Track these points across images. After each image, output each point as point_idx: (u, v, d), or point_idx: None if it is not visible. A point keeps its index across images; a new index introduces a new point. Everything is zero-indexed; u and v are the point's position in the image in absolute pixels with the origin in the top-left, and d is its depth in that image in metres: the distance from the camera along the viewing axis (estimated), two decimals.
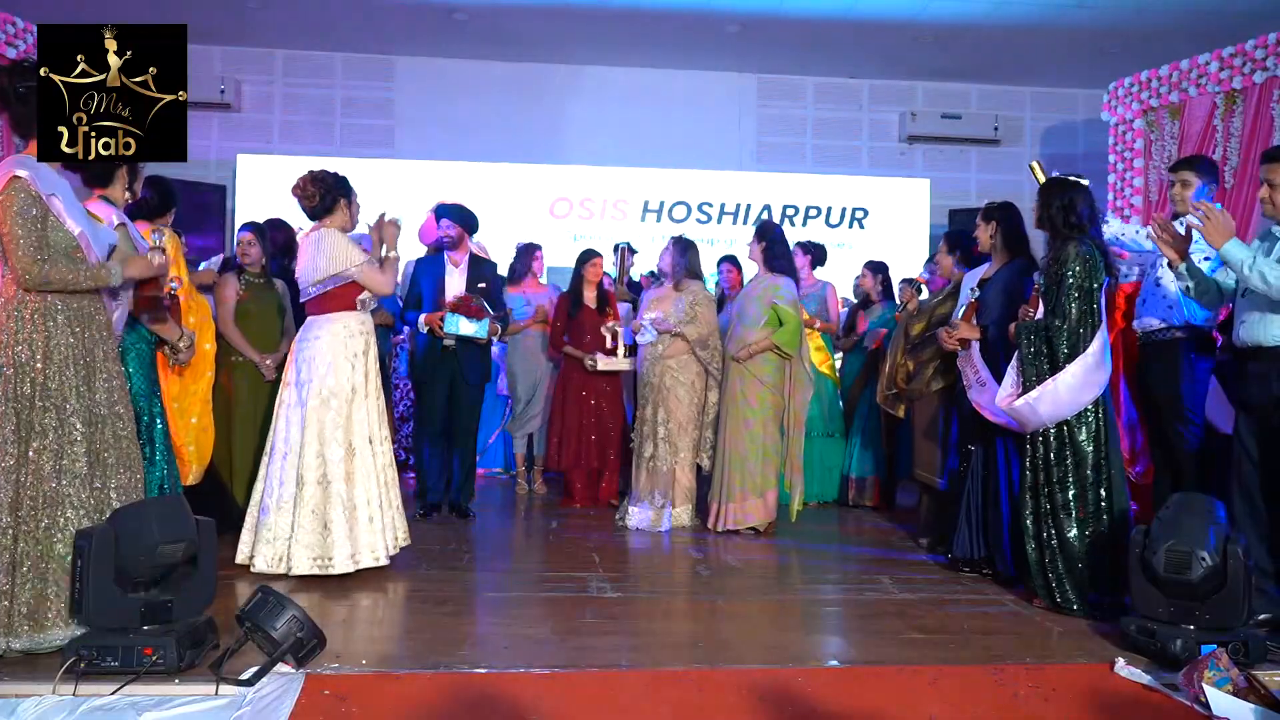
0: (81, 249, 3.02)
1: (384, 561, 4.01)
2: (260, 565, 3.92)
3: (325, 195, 4.09)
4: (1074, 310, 3.62)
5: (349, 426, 3.97)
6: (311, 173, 4.15)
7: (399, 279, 4.74)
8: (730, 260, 6.43)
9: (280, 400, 4.09)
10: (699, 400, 5.28)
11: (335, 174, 4.16)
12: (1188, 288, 3.72)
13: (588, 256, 5.99)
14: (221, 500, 4.54)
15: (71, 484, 2.95)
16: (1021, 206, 4.41)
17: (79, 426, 2.98)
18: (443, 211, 5.48)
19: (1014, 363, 3.79)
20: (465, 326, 5.24)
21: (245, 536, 4.04)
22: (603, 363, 5.66)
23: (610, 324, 5.70)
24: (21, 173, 2.91)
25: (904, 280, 6.82)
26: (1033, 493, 3.71)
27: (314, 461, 3.92)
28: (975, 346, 4.16)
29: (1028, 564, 3.76)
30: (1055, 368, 3.63)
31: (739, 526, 5.06)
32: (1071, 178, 3.82)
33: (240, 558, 4.00)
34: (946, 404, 4.60)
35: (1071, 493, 3.64)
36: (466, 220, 5.48)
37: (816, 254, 6.36)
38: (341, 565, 3.90)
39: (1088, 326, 3.63)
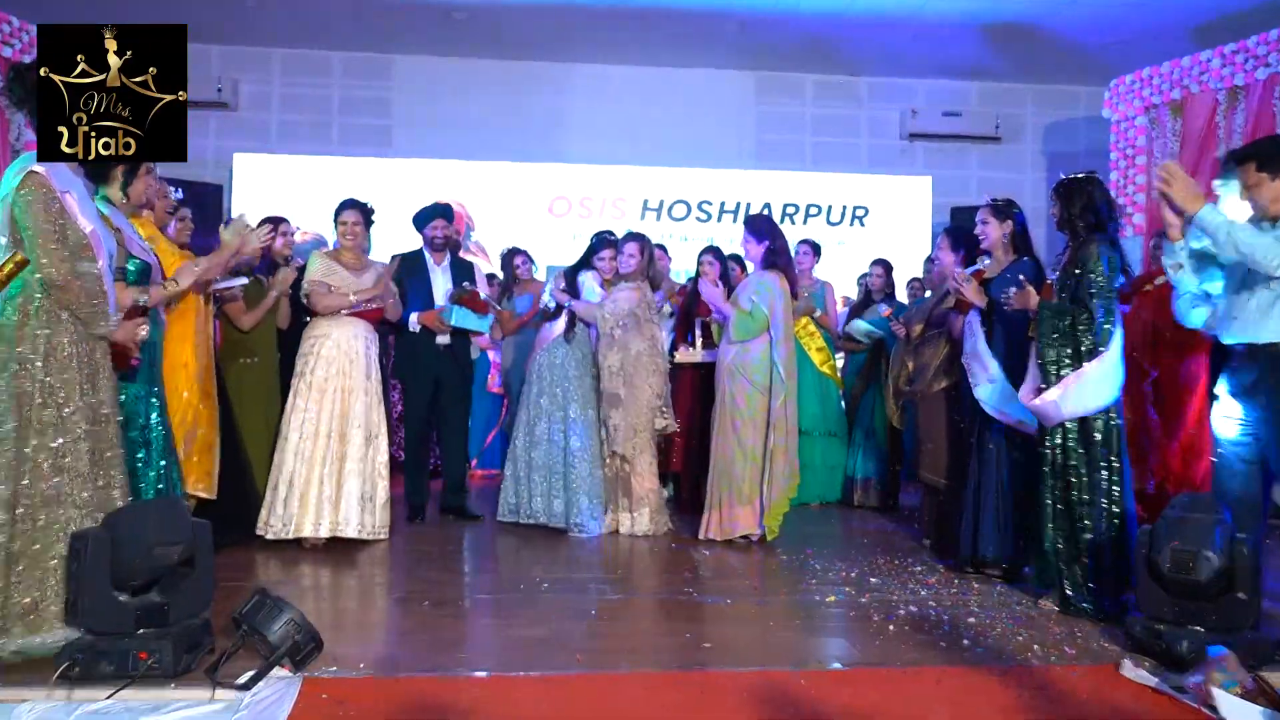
0: (91, 247, 3.02)
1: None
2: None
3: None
4: (1098, 307, 3.62)
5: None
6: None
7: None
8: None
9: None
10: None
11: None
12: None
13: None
14: (246, 512, 4.54)
15: (72, 482, 2.93)
16: (1022, 205, 4.39)
17: (81, 425, 2.96)
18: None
19: (1033, 353, 3.76)
20: (471, 320, 5.18)
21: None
22: (680, 355, 5.52)
23: (699, 317, 5.52)
24: (39, 168, 2.91)
25: (913, 280, 6.80)
26: (1049, 490, 3.69)
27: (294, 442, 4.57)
28: (982, 344, 4.12)
29: (1039, 561, 3.77)
30: (1078, 359, 3.62)
31: (727, 536, 4.85)
32: (1081, 175, 3.79)
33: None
34: (950, 404, 4.57)
35: (1082, 492, 3.62)
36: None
37: (817, 251, 6.35)
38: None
39: (1110, 324, 3.63)
